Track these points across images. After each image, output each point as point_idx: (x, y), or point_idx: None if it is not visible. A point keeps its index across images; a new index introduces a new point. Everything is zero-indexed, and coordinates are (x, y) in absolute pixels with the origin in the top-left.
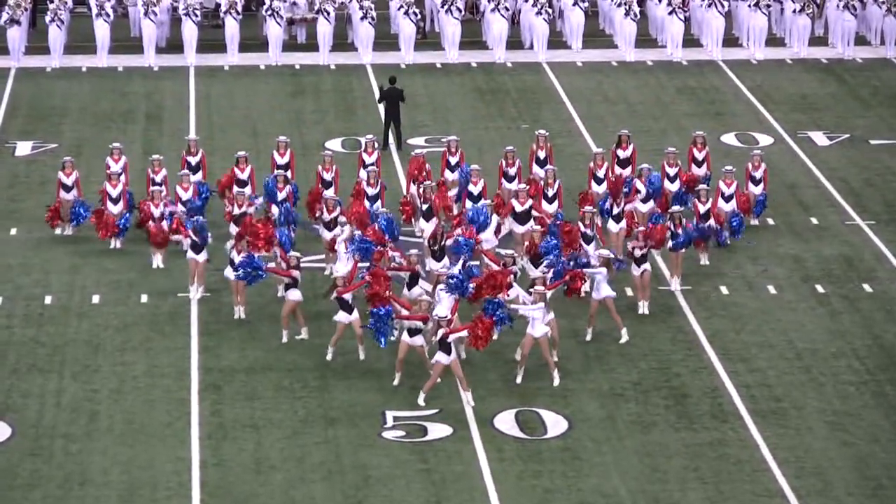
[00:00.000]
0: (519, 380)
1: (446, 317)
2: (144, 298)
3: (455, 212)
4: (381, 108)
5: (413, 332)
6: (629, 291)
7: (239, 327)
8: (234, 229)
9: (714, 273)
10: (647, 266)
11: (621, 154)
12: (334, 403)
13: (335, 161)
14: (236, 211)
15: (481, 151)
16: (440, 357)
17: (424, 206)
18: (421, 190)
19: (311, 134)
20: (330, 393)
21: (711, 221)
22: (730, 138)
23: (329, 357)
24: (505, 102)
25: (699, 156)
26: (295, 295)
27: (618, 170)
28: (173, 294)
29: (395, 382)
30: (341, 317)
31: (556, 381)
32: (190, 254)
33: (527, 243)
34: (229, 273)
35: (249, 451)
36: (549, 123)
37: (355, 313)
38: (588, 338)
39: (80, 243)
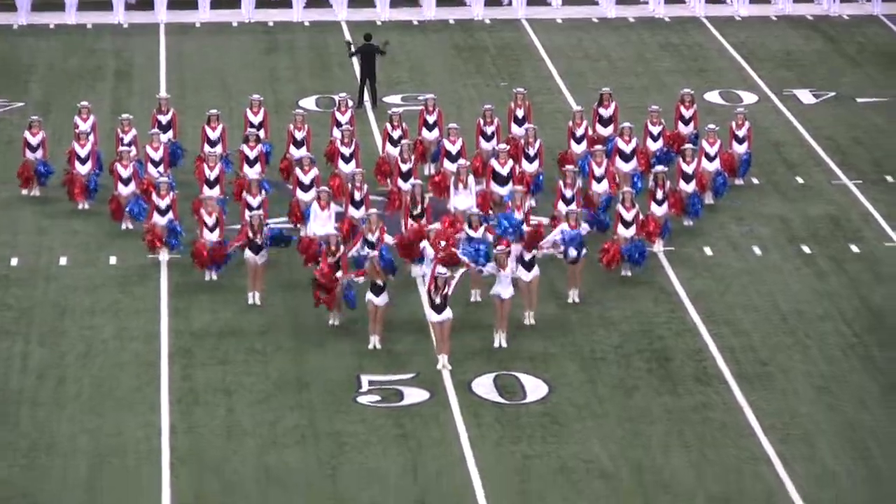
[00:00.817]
0: (497, 343)
1: (445, 273)
2: (113, 260)
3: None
4: (357, 63)
5: (377, 291)
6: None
7: (210, 289)
8: (207, 191)
9: (698, 233)
10: (536, 272)
11: (603, 112)
12: (307, 367)
13: (307, 120)
14: (208, 173)
15: (459, 109)
16: (430, 315)
17: (403, 167)
18: (398, 150)
19: (285, 92)
20: (303, 356)
21: (626, 212)
22: (713, 96)
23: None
24: (483, 60)
25: (686, 114)
26: (248, 255)
27: (599, 128)
28: (142, 255)
29: (370, 346)
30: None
31: (497, 343)
32: (247, 253)
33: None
34: (251, 254)
35: (221, 417)
36: (528, 81)
37: (385, 297)
38: (570, 300)
39: (48, 204)
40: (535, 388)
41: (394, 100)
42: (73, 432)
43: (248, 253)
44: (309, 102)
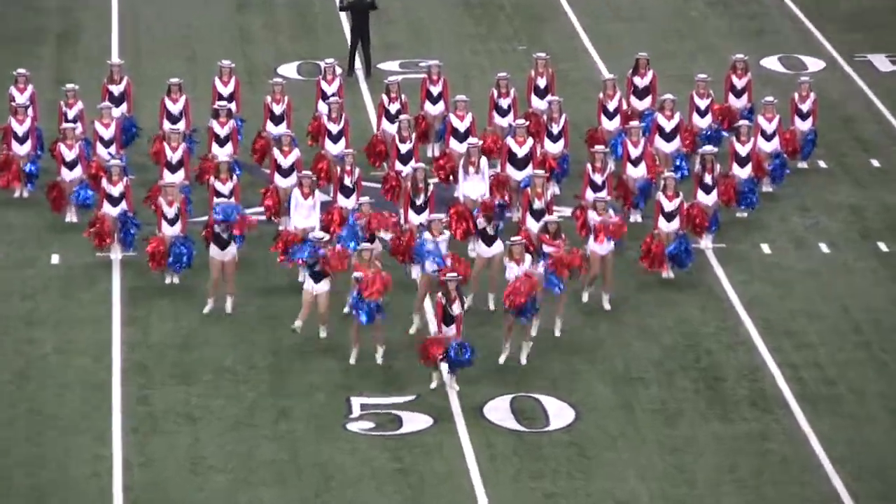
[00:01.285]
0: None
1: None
2: (55, 259)
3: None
4: (346, 22)
5: (318, 277)
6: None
7: (171, 294)
8: (169, 176)
9: (753, 227)
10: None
11: (639, 82)
12: (288, 388)
13: (287, 90)
14: (169, 154)
15: (468, 79)
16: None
17: (402, 148)
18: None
19: (260, 57)
20: (283, 375)
21: (738, 170)
22: (772, 62)
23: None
24: (497, 18)
25: (739, 84)
26: (213, 252)
27: (634, 101)
28: (90, 253)
29: (352, 360)
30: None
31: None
32: (212, 249)
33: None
34: (310, 285)
35: (184, 448)
36: (551, 44)
37: (326, 283)
38: (584, 298)
39: None
40: (559, 413)
41: (391, 67)
42: (6, 466)
43: (212, 249)
44: (289, 70)
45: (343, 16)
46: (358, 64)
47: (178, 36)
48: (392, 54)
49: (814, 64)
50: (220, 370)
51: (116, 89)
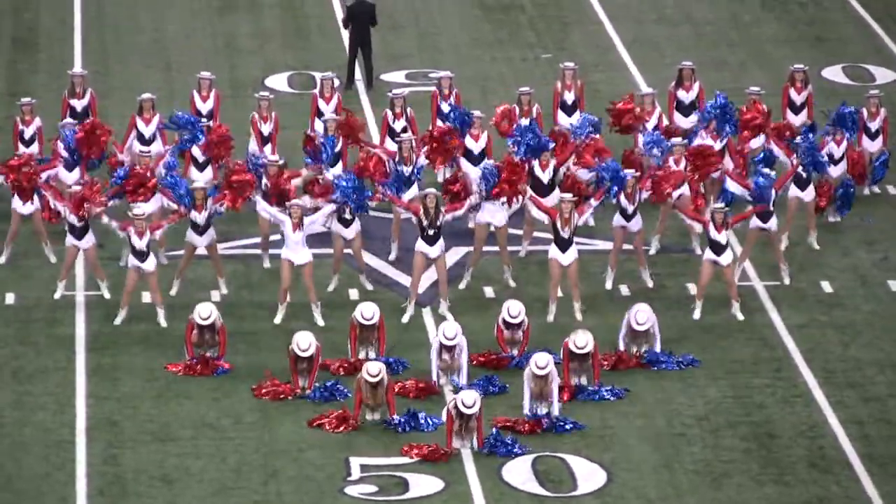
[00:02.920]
0: (550, 318)
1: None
2: (10, 299)
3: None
4: (344, 30)
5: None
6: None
7: (144, 339)
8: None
9: (814, 262)
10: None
11: (683, 96)
12: (278, 445)
13: (275, 106)
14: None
15: (485, 92)
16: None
17: (406, 171)
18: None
19: (246, 67)
20: (272, 430)
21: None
22: (835, 73)
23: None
24: (518, 22)
25: (798, 98)
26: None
27: (678, 117)
28: (49, 292)
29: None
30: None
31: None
32: (189, 234)
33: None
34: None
35: None
36: (580, 53)
37: (307, 253)
38: (608, 285)
39: None
40: (589, 476)
41: (396, 77)
42: None
43: (189, 234)
44: (279, 81)
45: (341, 21)
46: (358, 74)
47: (150, 42)
48: (398, 63)
49: (883, 75)
50: (201, 424)
51: (79, 104)
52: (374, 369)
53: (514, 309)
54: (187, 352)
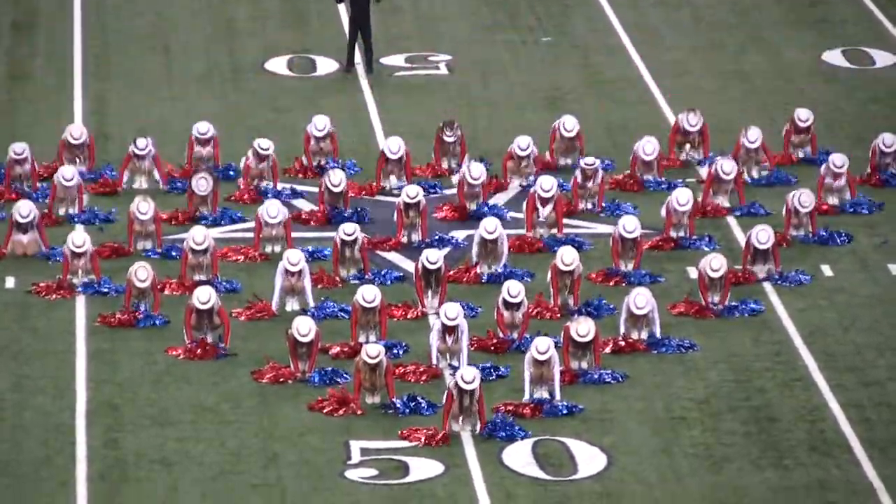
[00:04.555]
0: None
1: None
2: (10, 283)
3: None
4: (343, 12)
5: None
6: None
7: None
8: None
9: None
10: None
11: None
12: (278, 430)
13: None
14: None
15: (485, 77)
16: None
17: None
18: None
19: (246, 50)
20: (272, 414)
21: None
22: (834, 56)
23: None
24: (517, 5)
25: (797, 139)
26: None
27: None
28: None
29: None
30: None
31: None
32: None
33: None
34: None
35: (159, 499)
36: (580, 35)
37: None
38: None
39: None
40: (589, 459)
41: (396, 61)
42: None
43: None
44: (279, 64)
45: (341, 3)
46: (358, 58)
47: (149, 25)
48: (397, 46)
49: (883, 58)
50: (202, 409)
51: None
52: (373, 351)
53: (513, 288)
54: (186, 336)
